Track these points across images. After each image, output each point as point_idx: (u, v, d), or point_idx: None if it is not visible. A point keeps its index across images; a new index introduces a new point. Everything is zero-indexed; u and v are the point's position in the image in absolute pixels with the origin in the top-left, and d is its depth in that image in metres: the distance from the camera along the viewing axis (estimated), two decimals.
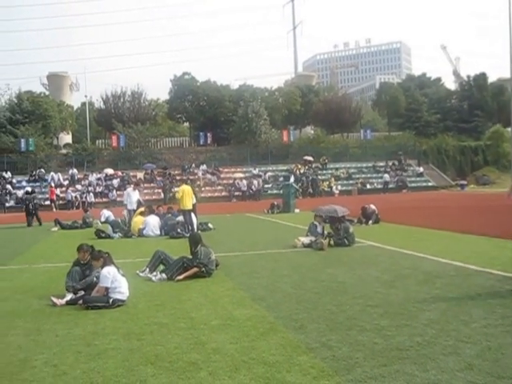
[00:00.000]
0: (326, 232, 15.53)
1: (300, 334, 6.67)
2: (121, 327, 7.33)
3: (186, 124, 73.94)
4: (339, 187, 48.71)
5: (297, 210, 30.93)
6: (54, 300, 8.75)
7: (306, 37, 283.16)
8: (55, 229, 24.04)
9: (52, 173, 48.28)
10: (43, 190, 46.42)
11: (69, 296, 8.93)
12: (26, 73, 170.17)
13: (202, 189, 45.39)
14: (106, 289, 8.52)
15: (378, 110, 78.70)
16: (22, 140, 53.50)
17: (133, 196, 22.60)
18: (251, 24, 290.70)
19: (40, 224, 27.31)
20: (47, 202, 43.39)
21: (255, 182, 47.18)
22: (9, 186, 45.89)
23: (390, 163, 55.22)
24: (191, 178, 45.80)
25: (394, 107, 70.22)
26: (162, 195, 43.07)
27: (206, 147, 57.68)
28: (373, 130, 67.68)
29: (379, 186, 50.29)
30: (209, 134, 57.58)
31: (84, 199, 43.39)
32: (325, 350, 6.00)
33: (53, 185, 45.23)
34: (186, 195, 19.39)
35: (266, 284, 9.94)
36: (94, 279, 9.01)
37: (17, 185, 47.13)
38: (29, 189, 35.36)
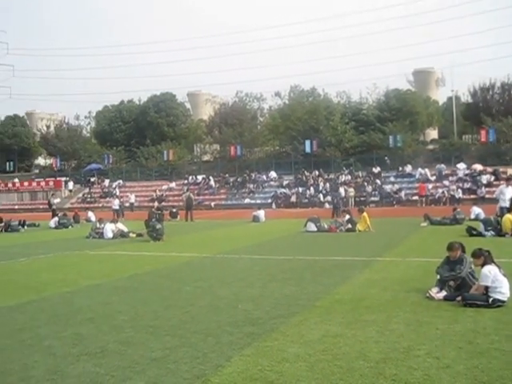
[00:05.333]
0: None
1: None
2: (503, 328, 7.09)
3: None
4: None
5: None
6: (432, 294, 8.85)
7: None
8: (424, 224, 24.28)
9: (419, 168, 48.93)
10: (410, 185, 47.41)
11: (445, 292, 8.92)
12: (392, 71, 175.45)
13: None
14: (486, 288, 8.29)
15: None
16: (390, 137, 55.36)
17: (506, 193, 21.58)
18: None
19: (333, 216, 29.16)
20: (415, 198, 44.20)
21: None
22: (378, 181, 48.00)
23: None
24: None
25: None
26: None
27: None
28: None
29: None
30: None
31: (452, 195, 42.87)
32: None
33: (420, 180, 46.02)
34: None
35: None
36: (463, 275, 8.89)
37: (385, 180, 48.99)
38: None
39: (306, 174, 53.17)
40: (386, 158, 52.72)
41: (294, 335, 7.02)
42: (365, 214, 23.30)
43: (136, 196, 54.18)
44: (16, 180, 68.82)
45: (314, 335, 6.98)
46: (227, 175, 57.47)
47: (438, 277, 9.22)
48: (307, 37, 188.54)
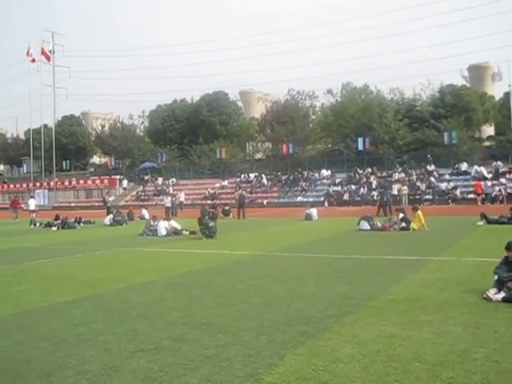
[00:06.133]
0: None
1: None
2: None
3: None
4: None
5: None
6: (490, 295, 8.62)
7: None
8: (481, 223, 23.70)
9: (475, 166, 47.80)
10: (465, 183, 46.41)
11: (503, 293, 8.67)
12: (446, 66, 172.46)
13: None
14: None
15: None
16: (445, 133, 54.32)
17: None
18: None
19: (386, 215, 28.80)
20: (470, 196, 43.26)
21: None
22: (432, 179, 47.13)
23: None
24: None
25: None
26: None
27: None
28: None
29: None
30: None
31: (509, 193, 41.73)
32: None
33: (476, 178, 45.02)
34: None
35: None
36: None
37: (440, 178, 48.06)
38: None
39: (359, 171, 52.68)
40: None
41: (348, 335, 6.94)
42: (419, 212, 22.91)
43: (189, 194, 54.79)
44: (73, 178, 70.53)
45: (368, 335, 6.89)
46: (279, 173, 57.49)
47: (496, 277, 8.96)
48: (359, 33, 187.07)
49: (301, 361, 5.97)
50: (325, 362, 5.91)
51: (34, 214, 38.46)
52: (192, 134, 76.29)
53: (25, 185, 72.15)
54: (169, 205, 39.25)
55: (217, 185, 58.29)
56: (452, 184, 45.63)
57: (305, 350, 6.37)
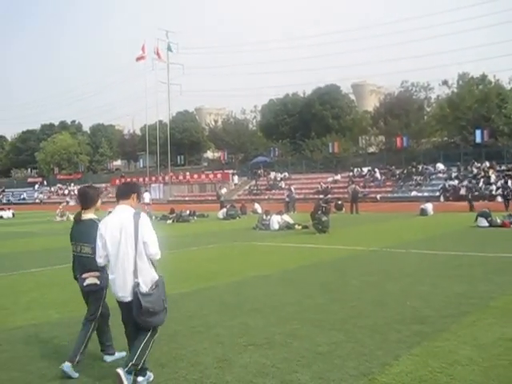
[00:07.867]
0: None
1: None
2: None
3: None
4: None
5: None
6: None
7: None
8: None
9: None
10: None
11: None
12: None
13: None
14: None
15: None
16: None
17: None
18: None
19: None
20: None
21: None
22: None
23: None
24: None
25: None
26: None
27: None
28: None
29: None
30: None
31: None
32: None
33: None
34: None
35: None
36: None
37: None
38: None
39: (476, 165, 50.51)
40: None
41: (466, 336, 6.61)
42: None
43: (301, 188, 54.78)
44: (187, 173, 72.52)
45: (488, 338, 6.52)
46: (393, 167, 56.22)
47: None
48: (477, 21, 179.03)
49: (416, 361, 5.75)
50: (442, 363, 5.66)
51: (148, 207, 39.86)
52: (304, 127, 76.34)
53: (141, 179, 74.75)
54: (287, 199, 39.48)
55: (329, 179, 57.86)
56: None
57: (420, 350, 6.14)
